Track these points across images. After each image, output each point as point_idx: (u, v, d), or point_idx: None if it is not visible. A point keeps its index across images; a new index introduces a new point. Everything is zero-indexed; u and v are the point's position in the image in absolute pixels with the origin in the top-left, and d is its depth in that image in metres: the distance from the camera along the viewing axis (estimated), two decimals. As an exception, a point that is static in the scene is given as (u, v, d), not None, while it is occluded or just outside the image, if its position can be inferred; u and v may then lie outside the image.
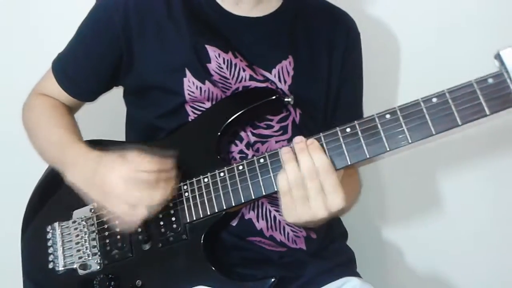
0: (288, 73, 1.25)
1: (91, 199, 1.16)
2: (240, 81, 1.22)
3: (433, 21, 1.52)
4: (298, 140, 1.02)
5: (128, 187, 1.06)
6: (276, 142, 1.24)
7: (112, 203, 1.09)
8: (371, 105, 1.35)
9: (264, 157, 1.08)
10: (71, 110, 1.37)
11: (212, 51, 1.22)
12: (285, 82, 1.24)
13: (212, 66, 1.21)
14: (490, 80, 0.92)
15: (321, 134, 1.04)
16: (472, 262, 1.59)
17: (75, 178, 1.17)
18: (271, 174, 1.07)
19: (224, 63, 1.22)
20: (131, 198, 1.06)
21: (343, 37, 1.33)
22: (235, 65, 1.22)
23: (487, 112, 0.93)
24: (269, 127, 1.23)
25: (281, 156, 1.03)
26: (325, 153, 1.01)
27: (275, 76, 1.24)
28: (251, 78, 1.22)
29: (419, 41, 1.54)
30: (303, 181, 0.99)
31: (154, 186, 1.06)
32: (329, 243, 1.30)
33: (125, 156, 1.09)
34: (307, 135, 1.07)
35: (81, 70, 1.30)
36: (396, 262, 1.64)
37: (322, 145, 1.03)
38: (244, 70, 1.22)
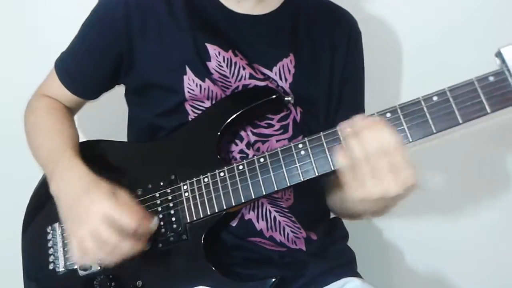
0: (289, 71, 1.25)
1: (62, 217, 1.14)
2: (240, 79, 1.22)
3: (433, 19, 1.53)
4: (361, 118, 0.98)
5: (105, 226, 1.05)
6: (277, 141, 1.23)
7: (81, 233, 1.07)
8: (371, 104, 1.35)
9: (264, 157, 1.08)
10: (72, 112, 1.37)
11: (212, 49, 1.22)
12: (286, 80, 1.24)
13: (212, 65, 1.21)
14: (491, 78, 0.92)
15: (321, 134, 1.03)
16: (472, 262, 1.59)
17: (56, 191, 1.17)
18: (271, 174, 1.07)
19: (224, 61, 1.22)
20: (102, 237, 1.05)
21: (344, 36, 1.33)
22: (235, 63, 1.22)
23: (488, 110, 0.93)
24: (270, 126, 1.23)
25: (341, 132, 1.00)
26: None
27: (276, 74, 1.24)
28: (251, 77, 1.22)
29: (420, 39, 1.54)
30: (370, 157, 0.95)
31: (128, 240, 1.06)
32: (329, 243, 1.29)
33: (116, 195, 1.10)
34: (308, 133, 1.06)
35: (83, 69, 1.30)
36: (397, 263, 1.64)
37: (322, 144, 1.03)
38: (244, 69, 1.22)
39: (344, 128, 0.99)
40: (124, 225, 1.05)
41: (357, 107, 1.37)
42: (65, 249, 1.24)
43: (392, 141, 0.94)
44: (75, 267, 1.22)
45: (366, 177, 0.95)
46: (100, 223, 1.05)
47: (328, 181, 1.32)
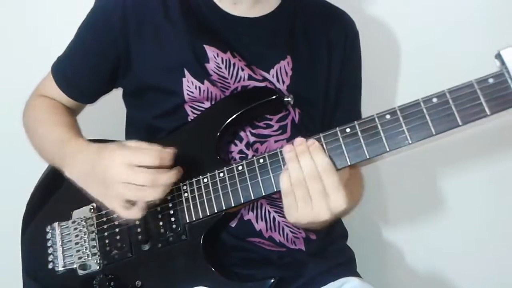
0: (287, 73, 1.24)
1: (90, 195, 1.14)
2: (239, 80, 1.22)
3: (433, 20, 1.52)
4: (299, 142, 1.02)
5: (130, 174, 1.03)
6: (275, 141, 1.23)
7: (117, 192, 1.06)
8: (371, 105, 1.35)
9: (264, 158, 1.08)
10: (72, 111, 1.37)
11: (210, 51, 1.21)
12: (283, 82, 1.24)
13: (211, 66, 1.21)
14: (491, 80, 0.92)
15: (321, 135, 1.03)
16: (472, 262, 1.59)
17: (73, 173, 1.16)
18: (271, 175, 1.07)
19: (222, 62, 1.22)
20: (137, 182, 1.03)
21: (342, 37, 1.32)
22: (234, 64, 1.22)
23: (488, 112, 0.92)
24: (269, 126, 1.23)
25: (284, 155, 1.03)
26: (326, 153, 1.01)
27: (273, 77, 1.24)
28: (250, 78, 1.22)
29: (419, 40, 1.54)
30: (305, 182, 0.99)
31: (155, 179, 1.04)
32: (329, 243, 1.29)
33: (125, 144, 1.09)
34: (307, 134, 1.06)
35: (80, 72, 1.30)
36: (396, 262, 1.64)
37: (322, 145, 1.03)
38: (242, 70, 1.22)
39: (286, 151, 1.02)
40: (148, 162, 1.03)
41: (355, 108, 1.38)
42: (64, 248, 1.24)
43: (323, 166, 0.99)
44: (74, 266, 1.22)
45: (300, 202, 1.00)
46: (127, 172, 1.03)
47: None
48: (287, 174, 1.01)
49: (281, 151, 1.07)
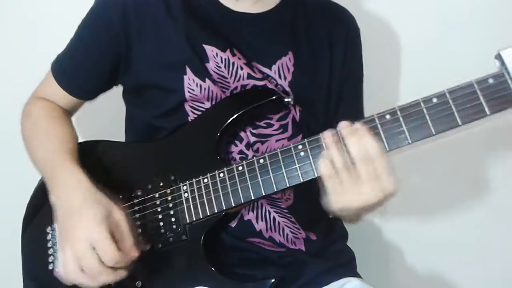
0: (288, 69, 1.24)
1: (57, 224, 1.12)
2: (239, 80, 1.22)
3: (433, 20, 1.53)
4: (344, 125, 1.00)
5: (84, 253, 1.03)
6: (276, 140, 1.23)
7: (67, 252, 1.05)
8: (371, 105, 1.35)
9: (264, 158, 1.08)
10: (69, 114, 1.36)
11: (210, 50, 1.21)
12: (285, 78, 1.24)
13: (211, 66, 1.21)
14: (491, 80, 0.92)
15: (321, 135, 1.03)
16: (472, 262, 1.59)
17: (55, 200, 1.14)
18: (271, 175, 1.07)
19: (222, 62, 1.22)
20: (84, 263, 1.03)
21: (343, 34, 1.32)
22: (233, 63, 1.22)
23: (488, 112, 0.93)
24: (269, 125, 1.23)
25: (324, 140, 1.01)
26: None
27: (275, 73, 1.24)
28: (249, 77, 1.22)
29: (419, 40, 1.54)
30: (352, 165, 0.97)
31: (108, 270, 1.04)
32: (329, 243, 1.29)
33: (112, 214, 1.08)
34: (308, 132, 1.07)
35: (80, 69, 1.30)
36: (397, 263, 1.64)
37: (321, 145, 1.03)
38: (242, 69, 1.22)
39: (327, 135, 1.00)
40: (105, 259, 1.03)
41: (356, 105, 1.38)
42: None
43: (374, 148, 0.96)
44: None
45: (347, 186, 0.98)
46: (84, 248, 1.03)
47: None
48: (327, 159, 0.99)
49: (281, 151, 1.07)
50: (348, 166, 0.97)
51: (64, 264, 1.05)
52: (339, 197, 1.00)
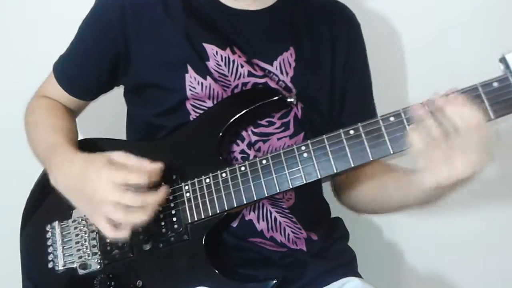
0: (290, 64, 1.24)
1: (76, 206, 1.14)
2: (239, 78, 1.22)
3: (437, 21, 1.53)
4: (437, 96, 0.94)
5: (117, 194, 1.03)
6: (278, 139, 1.23)
7: (104, 211, 1.05)
8: (378, 104, 1.34)
9: (267, 158, 1.08)
10: (72, 113, 1.37)
11: (210, 49, 1.21)
12: (287, 74, 1.24)
13: (211, 64, 1.21)
14: (495, 84, 0.93)
15: (324, 136, 1.03)
16: (472, 262, 1.59)
17: (58, 184, 1.16)
18: (274, 176, 1.07)
19: (222, 60, 1.21)
20: (124, 203, 1.03)
21: (345, 30, 1.32)
22: (233, 61, 1.22)
23: (492, 116, 0.93)
24: (271, 124, 1.23)
25: (414, 112, 0.94)
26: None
27: (276, 68, 1.23)
28: (250, 74, 1.22)
29: (423, 41, 1.54)
30: (453, 135, 0.92)
31: (142, 200, 1.04)
32: (330, 243, 1.29)
33: (114, 159, 1.08)
34: (310, 130, 1.06)
35: (81, 70, 1.30)
36: (397, 263, 1.64)
37: (325, 146, 1.03)
38: (242, 66, 1.22)
39: (417, 108, 0.95)
40: (134, 182, 1.03)
41: (364, 101, 1.36)
42: (65, 247, 1.24)
43: (475, 118, 0.91)
44: (75, 266, 1.22)
45: (446, 158, 0.92)
46: (114, 192, 1.03)
47: (345, 178, 1.31)
48: (417, 132, 0.93)
49: (284, 152, 1.07)
50: (444, 139, 0.92)
51: (109, 222, 1.06)
52: (433, 175, 0.93)
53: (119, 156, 1.09)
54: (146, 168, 1.06)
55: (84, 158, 1.13)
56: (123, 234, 1.07)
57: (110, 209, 1.04)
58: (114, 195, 1.03)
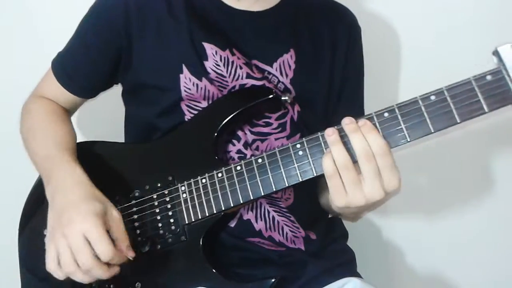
0: (290, 66, 1.24)
1: (48, 221, 1.11)
2: (237, 79, 1.22)
3: (431, 18, 1.53)
4: (348, 121, 0.98)
5: (78, 247, 1.03)
6: (276, 139, 1.23)
7: (60, 244, 1.05)
8: (369, 103, 1.35)
9: (262, 157, 1.08)
10: (69, 113, 1.37)
11: (209, 48, 1.21)
12: (286, 75, 1.24)
13: (209, 64, 1.21)
14: (489, 77, 0.92)
15: (319, 134, 1.03)
16: (472, 262, 1.59)
17: (51, 198, 1.14)
18: (270, 174, 1.07)
19: (221, 60, 1.22)
20: (78, 257, 1.03)
21: (345, 33, 1.33)
22: (232, 62, 1.22)
23: (486, 109, 0.92)
24: (268, 124, 1.23)
25: (327, 138, 0.99)
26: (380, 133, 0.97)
27: (276, 70, 1.24)
28: (248, 76, 1.22)
29: (417, 38, 1.54)
30: (352, 164, 0.96)
31: (102, 265, 1.05)
32: (329, 243, 1.29)
33: (108, 213, 1.09)
34: (307, 131, 1.06)
35: (81, 67, 1.30)
36: (397, 262, 1.64)
37: (320, 144, 1.03)
38: (241, 68, 1.22)
39: (331, 132, 0.99)
40: (99, 254, 1.04)
41: (357, 104, 1.38)
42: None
43: (379, 145, 0.95)
44: None
45: (350, 184, 0.97)
46: (80, 242, 1.03)
47: (321, 181, 1.32)
48: (330, 157, 0.97)
49: (279, 151, 1.06)
50: (350, 165, 0.96)
51: (58, 258, 1.05)
52: (341, 195, 0.98)
53: (116, 215, 1.10)
54: (122, 245, 1.08)
55: (88, 189, 1.12)
56: (59, 275, 1.07)
57: (64, 249, 1.04)
58: (76, 245, 1.03)
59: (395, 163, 0.97)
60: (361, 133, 0.97)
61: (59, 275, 1.07)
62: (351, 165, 0.96)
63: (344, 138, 0.98)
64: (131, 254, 1.09)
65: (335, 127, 1.00)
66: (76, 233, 1.04)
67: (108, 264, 1.06)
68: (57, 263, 1.06)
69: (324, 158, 0.99)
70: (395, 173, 0.96)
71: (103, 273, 1.05)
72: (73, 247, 1.03)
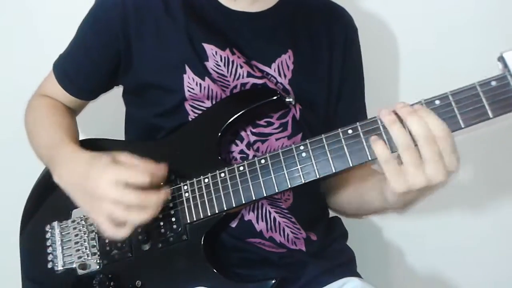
0: (288, 67, 1.24)
1: (77, 203, 1.13)
2: (238, 78, 1.22)
3: (434, 20, 1.53)
4: (402, 104, 0.95)
5: (120, 193, 1.02)
6: (276, 139, 1.23)
7: (104, 208, 1.04)
8: (370, 107, 1.35)
9: (265, 158, 1.08)
10: (72, 112, 1.37)
11: (209, 49, 1.21)
12: (285, 76, 1.24)
13: (210, 64, 1.21)
14: (494, 83, 0.92)
15: (323, 136, 1.03)
16: (472, 262, 1.59)
17: (62, 180, 1.15)
18: (272, 175, 1.07)
19: (221, 60, 1.21)
20: (125, 201, 1.02)
21: (342, 33, 1.33)
22: (233, 62, 1.22)
23: (490, 115, 0.92)
24: (269, 124, 1.23)
25: (383, 119, 0.95)
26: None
27: (274, 71, 1.24)
28: (249, 75, 1.22)
29: (421, 41, 1.54)
30: (414, 145, 0.93)
31: (144, 200, 1.03)
32: (329, 243, 1.29)
33: (118, 159, 1.08)
34: (308, 131, 1.06)
35: (81, 69, 1.30)
36: (397, 262, 1.64)
37: (323, 146, 1.02)
38: (241, 67, 1.22)
39: (384, 114, 0.95)
40: (137, 181, 1.03)
41: (357, 103, 1.38)
42: (64, 247, 1.24)
43: (439, 127, 0.92)
44: (74, 266, 1.22)
45: (410, 166, 0.93)
46: (116, 190, 1.02)
47: (330, 182, 1.32)
48: (382, 141, 0.94)
49: (283, 152, 1.06)
50: (411, 146, 0.93)
51: (111, 219, 1.05)
52: (401, 179, 0.95)
53: (123, 156, 1.09)
54: (149, 169, 1.05)
55: (89, 155, 1.13)
56: (122, 233, 1.06)
57: (110, 206, 1.03)
58: (115, 193, 1.03)
59: (455, 145, 0.94)
60: (419, 116, 0.93)
61: (124, 231, 1.06)
62: (413, 145, 0.93)
63: (402, 120, 0.94)
64: (161, 167, 1.07)
65: (387, 110, 0.95)
66: (107, 189, 1.03)
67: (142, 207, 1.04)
68: (115, 226, 1.05)
69: (376, 142, 0.95)
70: (456, 154, 0.94)
71: (156, 197, 1.04)
72: (114, 197, 1.02)
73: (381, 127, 0.98)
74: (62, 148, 1.19)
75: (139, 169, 1.05)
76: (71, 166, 1.14)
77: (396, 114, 0.94)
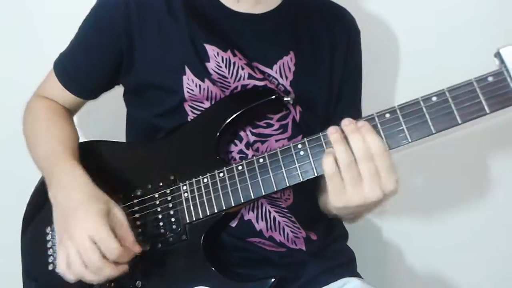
0: (290, 68, 1.25)
1: (55, 223, 1.13)
2: (239, 79, 1.22)
3: (432, 19, 1.53)
4: (347, 122, 0.99)
5: (85, 248, 1.04)
6: (276, 141, 1.23)
7: (68, 247, 1.06)
8: (370, 105, 1.35)
9: (264, 157, 1.08)
10: (71, 114, 1.37)
11: (211, 50, 1.21)
12: (286, 78, 1.24)
13: (211, 65, 1.21)
14: (490, 79, 0.92)
15: (321, 134, 1.03)
16: (472, 262, 1.59)
17: (55, 199, 1.15)
18: (271, 174, 1.07)
19: (222, 61, 1.22)
20: (86, 257, 1.04)
21: (345, 36, 1.33)
22: (234, 63, 1.22)
23: (487, 110, 0.92)
24: (269, 125, 1.23)
25: (329, 137, 0.99)
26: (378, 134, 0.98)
27: (276, 72, 1.24)
28: (250, 77, 1.22)
29: (419, 39, 1.54)
30: (355, 163, 0.96)
31: (110, 264, 1.05)
32: (329, 243, 1.29)
33: (111, 213, 1.09)
34: (308, 133, 1.06)
35: (82, 68, 1.30)
36: (397, 262, 1.64)
37: (321, 144, 1.03)
38: (242, 69, 1.22)
39: (332, 131, 0.99)
40: (107, 253, 1.05)
41: (355, 105, 1.38)
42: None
43: (376, 146, 0.96)
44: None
45: (348, 184, 0.97)
46: (86, 243, 1.04)
47: (320, 183, 1.32)
48: (332, 157, 0.97)
49: (281, 151, 1.07)
50: (351, 164, 0.96)
51: (67, 260, 1.06)
52: (340, 195, 0.98)
53: (119, 214, 1.10)
54: (128, 242, 1.09)
55: (88, 189, 1.13)
56: (69, 277, 1.08)
57: (73, 251, 1.05)
58: (83, 247, 1.05)
59: (393, 165, 0.97)
60: (360, 134, 0.97)
61: (69, 277, 1.08)
62: (354, 163, 0.96)
63: (345, 138, 0.98)
64: (137, 249, 1.10)
65: (336, 126, 1.00)
66: (82, 235, 1.05)
67: (116, 263, 1.07)
68: (66, 265, 1.07)
69: (325, 157, 0.98)
70: (392, 174, 0.97)
71: (112, 272, 1.06)
72: (80, 249, 1.05)
73: (378, 124, 0.99)
74: (60, 164, 1.18)
75: (113, 244, 1.05)
76: (66, 191, 1.13)
77: (342, 131, 0.98)
